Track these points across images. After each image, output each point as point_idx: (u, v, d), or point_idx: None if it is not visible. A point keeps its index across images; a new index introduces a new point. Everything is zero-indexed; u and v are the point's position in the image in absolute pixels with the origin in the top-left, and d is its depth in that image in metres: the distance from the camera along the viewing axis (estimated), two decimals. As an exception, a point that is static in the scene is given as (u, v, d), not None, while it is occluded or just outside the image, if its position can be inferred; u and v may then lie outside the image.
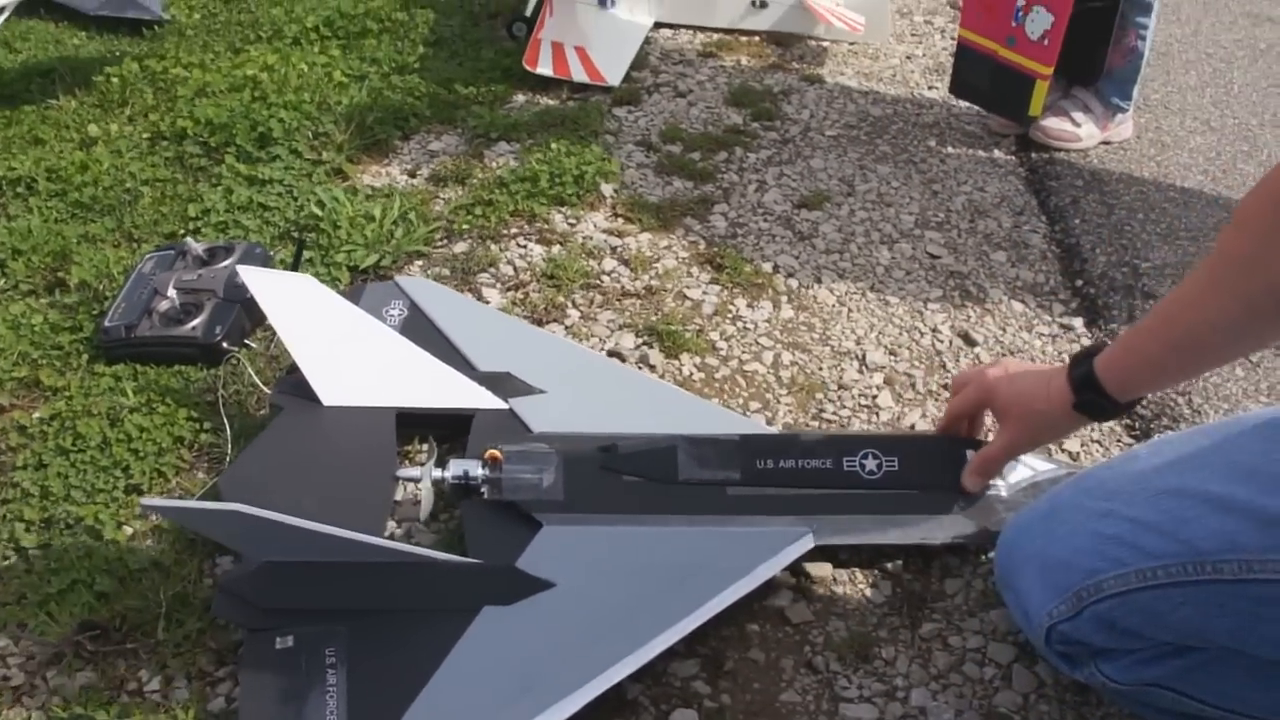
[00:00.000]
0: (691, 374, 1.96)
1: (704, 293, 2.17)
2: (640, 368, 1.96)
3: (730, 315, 2.11)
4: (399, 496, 1.71)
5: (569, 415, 1.69)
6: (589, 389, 1.79)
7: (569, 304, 2.12)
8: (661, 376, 1.94)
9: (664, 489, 1.54)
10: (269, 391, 1.82)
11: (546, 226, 2.35)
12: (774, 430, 1.76)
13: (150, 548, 1.59)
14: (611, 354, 2.00)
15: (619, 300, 2.14)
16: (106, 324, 2.00)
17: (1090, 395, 1.25)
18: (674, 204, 2.45)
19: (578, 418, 1.68)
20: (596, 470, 1.56)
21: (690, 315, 2.09)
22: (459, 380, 1.75)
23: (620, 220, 2.39)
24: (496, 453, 1.57)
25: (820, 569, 1.58)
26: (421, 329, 1.89)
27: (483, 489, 1.56)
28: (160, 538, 1.61)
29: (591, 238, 2.33)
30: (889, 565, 1.60)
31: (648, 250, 2.29)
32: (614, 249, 2.29)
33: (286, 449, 1.62)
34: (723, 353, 2.01)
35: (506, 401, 1.72)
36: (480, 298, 2.14)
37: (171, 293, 2.03)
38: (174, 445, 1.78)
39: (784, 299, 2.14)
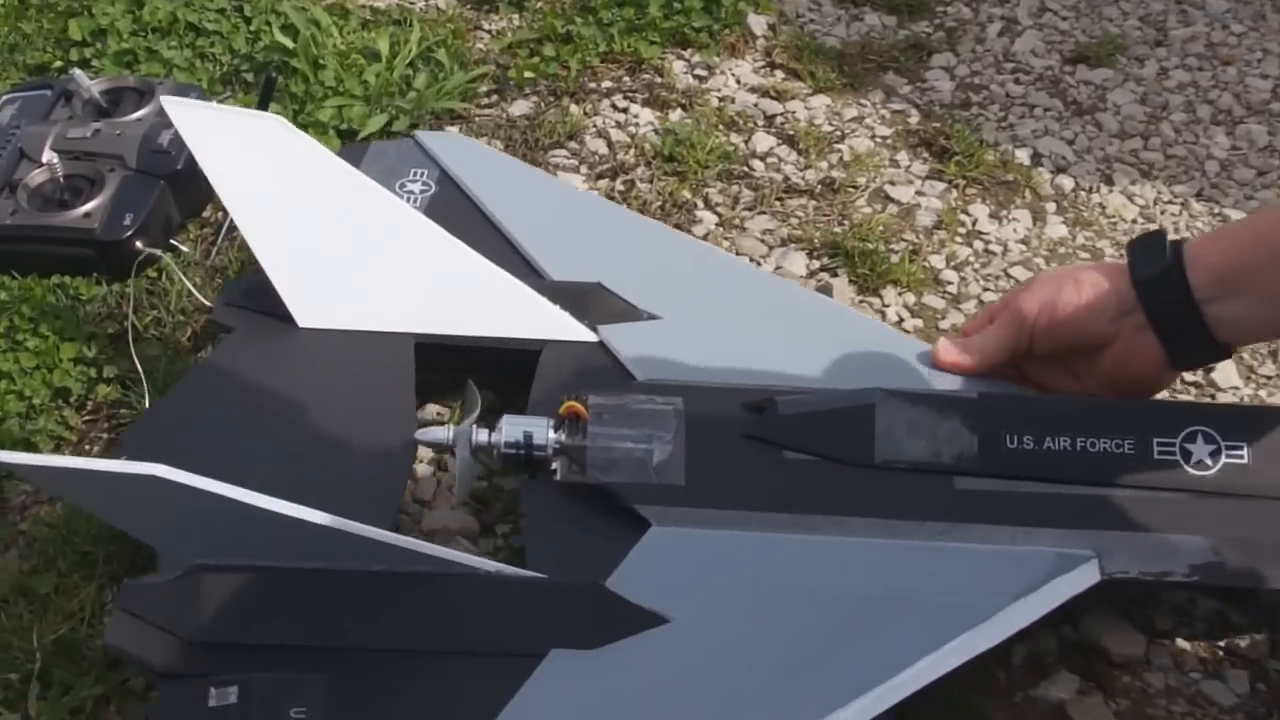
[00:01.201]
0: (900, 318, 1.89)
1: (919, 193, 2.08)
2: None
3: (963, 230, 2.02)
4: (420, 471, 1.70)
5: (694, 353, 1.64)
6: (726, 313, 1.74)
7: (699, 202, 2.10)
8: None
9: (851, 475, 1.47)
10: (211, 305, 1.78)
11: (660, 80, 2.27)
12: (1026, 390, 1.67)
13: (10, 562, 1.52)
14: None
15: (781, 200, 2.09)
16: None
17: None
18: (867, 51, 2.34)
19: (708, 357, 1.63)
20: (739, 441, 1.49)
21: (897, 227, 2.01)
22: (517, 293, 1.70)
23: (780, 74, 2.31)
24: (579, 406, 1.49)
25: (1119, 636, 1.47)
26: (458, 212, 1.84)
27: (554, 463, 1.52)
28: (28, 548, 1.53)
29: (734, 99, 2.24)
30: (1241, 640, 1.46)
31: (825, 122, 2.21)
32: (771, 119, 2.21)
33: (236, 391, 1.57)
34: (951, 287, 1.92)
35: (594, 330, 1.69)
36: None
37: (49, 157, 1.94)
38: (53, 403, 1.72)
39: (1050, 207, 2.04)
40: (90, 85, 2.04)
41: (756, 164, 2.20)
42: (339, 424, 1.57)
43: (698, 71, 2.39)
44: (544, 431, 1.53)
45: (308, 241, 1.68)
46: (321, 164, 1.71)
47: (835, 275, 2.00)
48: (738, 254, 2.02)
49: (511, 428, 1.53)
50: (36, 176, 1.99)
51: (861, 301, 1.97)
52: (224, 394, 1.59)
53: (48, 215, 1.94)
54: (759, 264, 2.02)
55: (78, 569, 1.54)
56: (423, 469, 1.69)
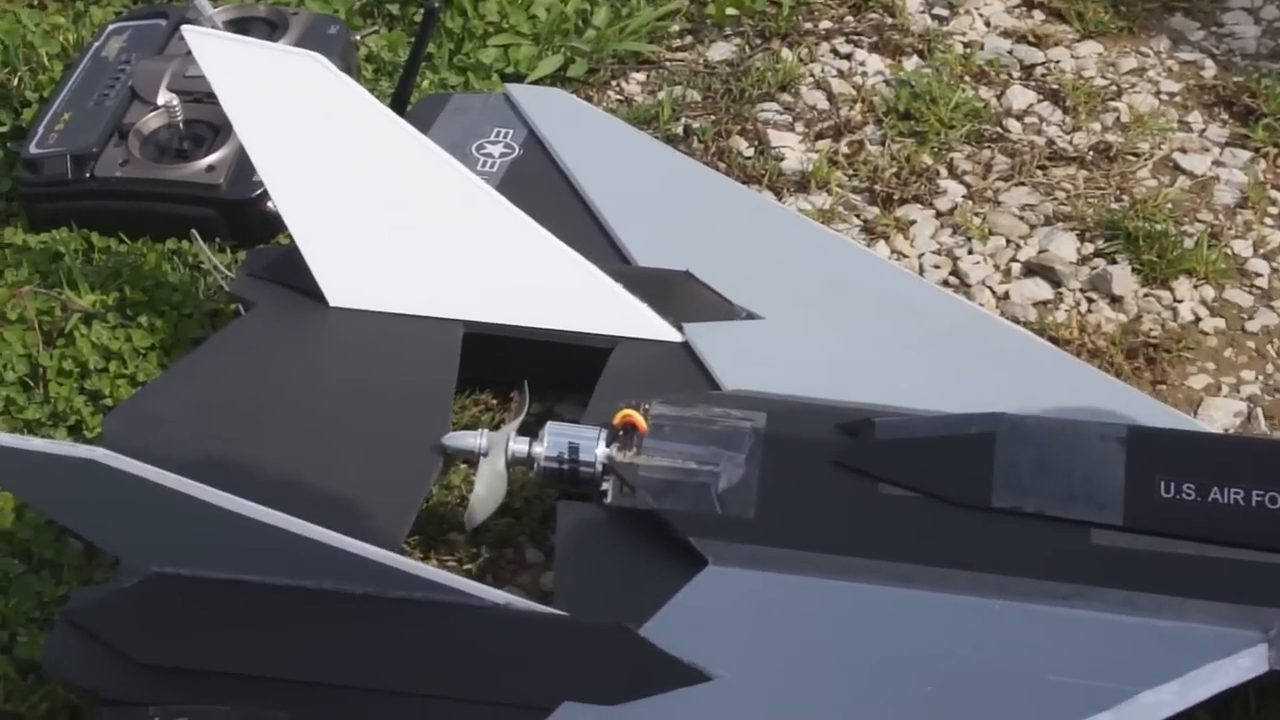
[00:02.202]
0: (1197, 316, 1.85)
1: (1217, 163, 2.07)
2: (1074, 297, 1.89)
3: (1275, 209, 1.98)
4: (444, 483, 1.67)
5: (798, 362, 1.64)
6: (844, 317, 1.72)
7: (942, 170, 2.07)
8: (1135, 317, 1.84)
9: (960, 519, 1.45)
10: (230, 277, 1.81)
11: (891, 20, 2.26)
12: (1197, 424, 1.63)
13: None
14: (1031, 268, 1.92)
15: (1043, 168, 2.08)
16: (32, 152, 1.95)
17: None
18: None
19: (814, 368, 1.63)
20: (827, 468, 1.48)
21: (1190, 205, 2.00)
22: (590, 280, 1.69)
23: (1040, 14, 2.28)
24: (637, 416, 1.49)
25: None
26: (540, 181, 1.87)
27: (603, 483, 1.49)
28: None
29: (982, 45, 2.26)
30: None
31: (1097, 75, 2.21)
32: (1029, 69, 2.23)
33: (246, 374, 1.62)
34: (1261, 280, 1.89)
35: (679, 328, 1.67)
36: (765, 147, 2.09)
37: (166, 98, 1.95)
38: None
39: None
40: (214, 13, 2.03)
41: (1012, 124, 2.17)
42: (361, 420, 1.59)
43: (937, 10, 2.35)
44: (592, 444, 1.51)
45: (347, 207, 1.69)
46: (370, 117, 1.70)
47: (1114, 262, 1.94)
48: (991, 232, 1.98)
49: (555, 438, 1.52)
50: (151, 121, 2.00)
51: (1147, 295, 1.90)
52: (232, 377, 1.62)
53: (164, 168, 1.96)
54: (1017, 246, 1.96)
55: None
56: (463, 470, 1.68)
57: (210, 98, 1.91)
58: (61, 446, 1.24)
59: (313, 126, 1.69)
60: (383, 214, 1.70)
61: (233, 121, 1.70)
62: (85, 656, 1.35)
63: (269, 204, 1.88)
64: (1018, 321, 1.82)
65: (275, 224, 1.89)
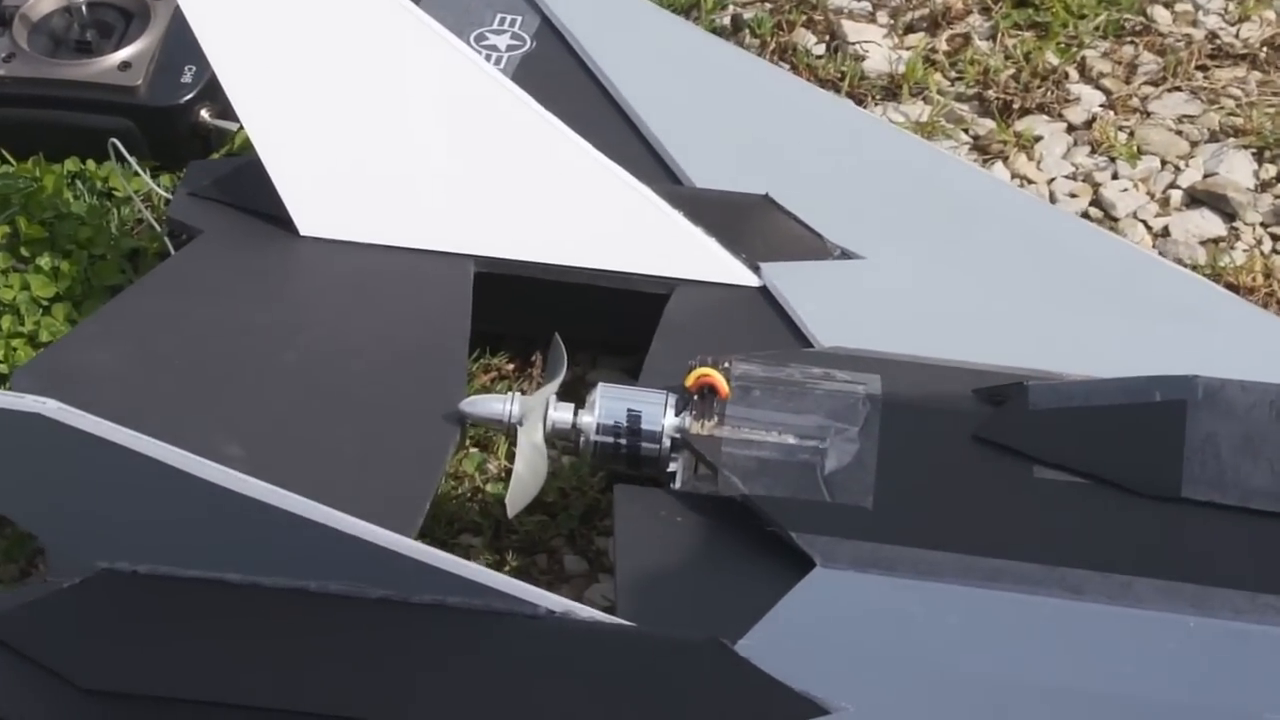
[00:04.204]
0: None
1: None
2: (1254, 233, 1.93)
3: None
4: (462, 462, 1.70)
5: (906, 311, 1.68)
6: (959, 254, 1.75)
7: (1073, 73, 2.10)
8: None
9: (1141, 511, 1.47)
10: (167, 199, 1.83)
11: None
12: None
13: None
14: (1196, 196, 1.96)
15: (1204, 70, 2.11)
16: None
17: None
18: None
19: (927, 318, 1.67)
20: (965, 445, 1.51)
21: None
22: (638, 205, 1.71)
23: None
24: (716, 376, 1.51)
25: None
26: (561, 81, 1.90)
27: (672, 463, 1.50)
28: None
29: None
30: None
31: None
32: None
33: (195, 320, 1.65)
34: None
35: (756, 269, 1.70)
36: (841, 43, 2.15)
37: None
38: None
39: None
40: None
41: (1160, 13, 2.21)
42: (352, 380, 1.61)
43: None
44: (658, 411, 1.52)
45: (324, 108, 1.71)
46: None
47: None
48: (1140, 151, 2.01)
49: (610, 402, 1.53)
50: (42, 4, 2.02)
51: None
52: (178, 324, 1.64)
53: (61, 65, 1.97)
54: (1176, 169, 2.00)
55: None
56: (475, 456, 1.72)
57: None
58: (2, 397, 1.23)
59: (280, 4, 1.69)
60: (371, 117, 1.71)
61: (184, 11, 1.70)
62: (7, 681, 1.36)
63: (203, 112, 1.92)
64: (1182, 264, 1.84)
65: (210, 138, 1.93)
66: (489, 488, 1.69)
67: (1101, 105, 2.05)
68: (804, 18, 2.16)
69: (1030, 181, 1.95)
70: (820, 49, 2.13)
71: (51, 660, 1.36)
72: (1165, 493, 1.46)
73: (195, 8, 1.71)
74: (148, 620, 1.37)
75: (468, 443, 1.70)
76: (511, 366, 1.78)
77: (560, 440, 1.55)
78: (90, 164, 1.94)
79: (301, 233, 1.71)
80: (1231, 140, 2.01)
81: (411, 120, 1.72)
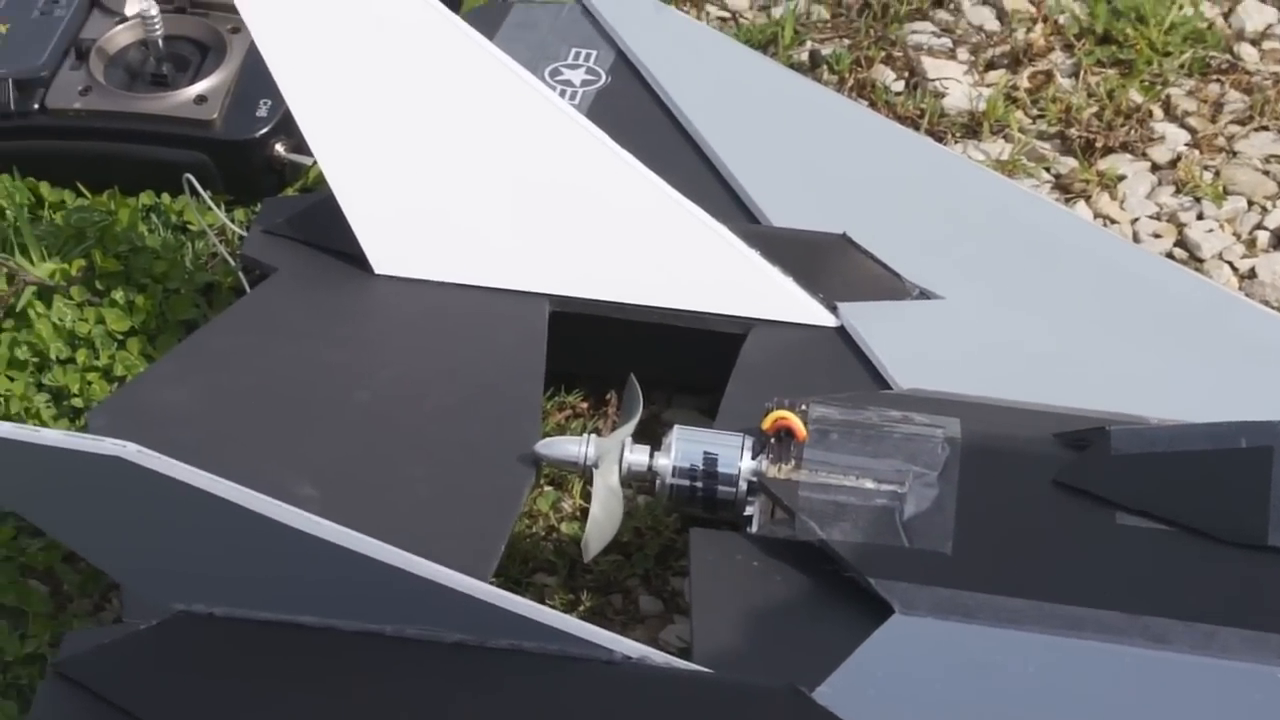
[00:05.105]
0: None
1: None
2: None
3: None
4: (536, 501, 1.70)
5: (987, 354, 1.67)
6: (1043, 296, 1.75)
7: (1158, 110, 2.10)
8: None
9: (1228, 560, 1.46)
10: (241, 235, 1.83)
11: None
12: None
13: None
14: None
15: None
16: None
17: None
18: None
19: (1008, 361, 1.66)
20: (1047, 490, 1.50)
21: None
22: (715, 245, 1.71)
23: None
24: (793, 419, 1.51)
25: None
26: (637, 117, 1.90)
27: (749, 506, 1.50)
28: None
29: None
30: None
31: None
32: None
33: (270, 360, 1.65)
34: None
35: (834, 309, 1.70)
36: (920, 79, 2.15)
37: (139, 7, 1.99)
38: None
39: None
40: None
41: (1247, 50, 2.19)
42: (427, 421, 1.61)
43: None
44: (734, 454, 1.51)
45: (401, 146, 1.71)
46: (435, 25, 1.71)
47: None
48: (1225, 191, 2.00)
49: (686, 445, 1.53)
50: (119, 37, 2.02)
51: None
52: (253, 363, 1.65)
53: (137, 98, 1.98)
54: (1263, 209, 1.98)
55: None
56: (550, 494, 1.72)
57: (198, 5, 1.96)
58: (80, 440, 1.23)
59: (359, 38, 1.70)
60: (445, 154, 1.71)
61: (251, 28, 1.71)
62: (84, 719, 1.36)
63: (278, 146, 1.92)
64: (1269, 305, 1.83)
65: (285, 172, 1.93)
66: (564, 527, 1.68)
67: (1186, 144, 2.04)
68: (883, 54, 2.16)
69: (1113, 221, 1.94)
70: (899, 85, 2.13)
71: (128, 702, 1.36)
72: (1252, 540, 1.46)
73: (270, 42, 1.71)
74: (224, 663, 1.37)
75: (542, 481, 1.70)
76: (586, 405, 1.78)
77: (636, 482, 1.55)
78: (165, 198, 1.95)
79: (376, 271, 1.72)
80: (1324, 184, 1.98)
81: (485, 157, 1.72)
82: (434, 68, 1.71)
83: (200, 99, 1.95)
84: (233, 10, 1.96)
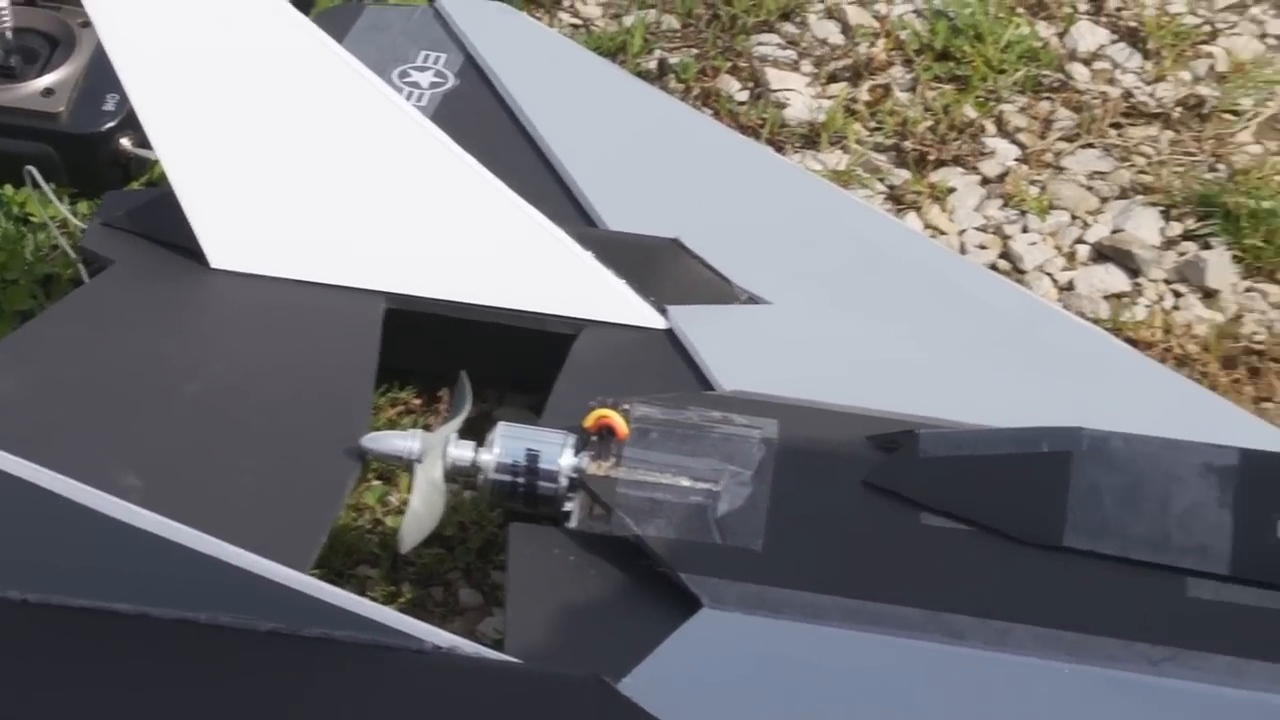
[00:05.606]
0: None
1: None
2: (1156, 289, 1.93)
3: None
4: (363, 494, 1.70)
5: (810, 358, 1.68)
6: (864, 302, 1.76)
7: (990, 126, 2.11)
8: (1234, 316, 1.87)
9: (1023, 559, 1.48)
10: (82, 228, 1.83)
11: None
12: None
13: None
14: (1103, 251, 1.96)
15: (1118, 127, 2.12)
16: None
17: None
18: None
19: (830, 365, 1.67)
20: (855, 491, 1.51)
21: None
22: (550, 247, 1.71)
23: None
24: (615, 418, 1.51)
25: None
26: (482, 120, 1.90)
27: (568, 503, 1.51)
28: None
29: None
30: None
31: (1187, 10, 2.25)
32: (1099, 1, 2.26)
33: (102, 350, 1.64)
34: None
35: (663, 311, 1.71)
36: (763, 90, 2.14)
37: None
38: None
39: None
40: None
41: (1078, 70, 2.22)
42: (255, 413, 1.60)
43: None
44: (556, 451, 1.52)
45: (240, 142, 1.70)
46: (277, 29, 1.70)
47: (1207, 247, 1.99)
48: (1051, 205, 2.03)
49: (510, 441, 1.53)
50: None
51: (1250, 289, 1.95)
52: (84, 354, 1.63)
53: None
54: (1085, 224, 2.01)
55: None
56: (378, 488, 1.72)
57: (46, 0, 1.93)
58: None
59: (203, 34, 1.69)
60: (285, 152, 1.71)
61: (95, 22, 1.69)
62: None
63: (124, 140, 1.92)
64: (1085, 317, 1.85)
65: (130, 167, 1.92)
66: (389, 520, 1.68)
67: (1016, 159, 2.07)
68: (729, 64, 2.17)
69: (942, 232, 1.96)
70: (743, 95, 2.13)
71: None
72: (1047, 541, 1.47)
73: (114, 35, 1.70)
74: (37, 649, 1.34)
75: (370, 475, 1.69)
76: (419, 401, 1.77)
77: (460, 477, 1.55)
78: (8, 189, 1.94)
79: (213, 265, 1.70)
80: (1140, 197, 2.03)
81: (326, 156, 1.71)
82: (276, 66, 1.70)
83: (48, 92, 1.94)
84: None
